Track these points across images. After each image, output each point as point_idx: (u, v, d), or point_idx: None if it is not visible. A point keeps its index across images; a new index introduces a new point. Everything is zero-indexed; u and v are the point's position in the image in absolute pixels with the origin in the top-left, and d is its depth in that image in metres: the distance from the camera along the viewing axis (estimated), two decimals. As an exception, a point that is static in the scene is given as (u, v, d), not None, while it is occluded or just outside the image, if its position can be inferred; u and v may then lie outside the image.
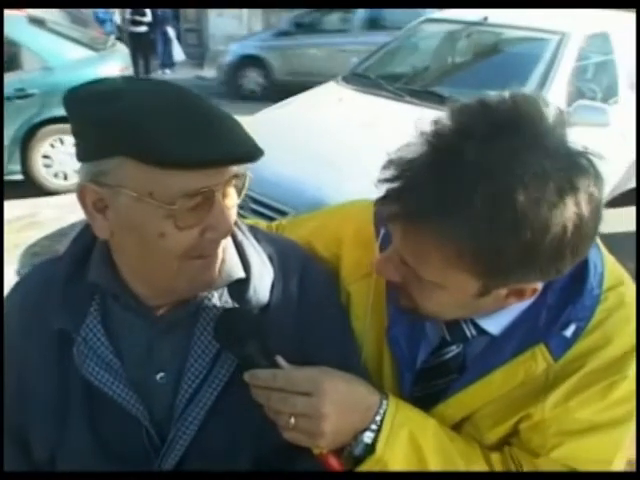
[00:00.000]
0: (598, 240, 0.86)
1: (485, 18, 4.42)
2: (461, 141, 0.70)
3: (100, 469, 0.83)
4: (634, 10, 4.43)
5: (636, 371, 0.83)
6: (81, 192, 0.78)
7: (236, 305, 0.87)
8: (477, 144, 0.69)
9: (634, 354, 0.83)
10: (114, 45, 6.38)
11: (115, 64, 5.61)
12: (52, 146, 5.30)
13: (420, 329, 0.95)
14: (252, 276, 0.89)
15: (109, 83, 0.79)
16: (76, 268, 0.89)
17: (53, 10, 6.11)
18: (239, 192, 0.82)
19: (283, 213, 2.91)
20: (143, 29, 11.33)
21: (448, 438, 0.86)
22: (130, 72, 6.12)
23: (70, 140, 5.11)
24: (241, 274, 0.89)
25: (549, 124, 0.72)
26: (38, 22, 5.35)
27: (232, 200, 0.80)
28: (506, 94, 0.74)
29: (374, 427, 0.81)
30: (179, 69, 12.27)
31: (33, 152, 5.23)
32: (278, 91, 8.66)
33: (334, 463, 0.80)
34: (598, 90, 4.31)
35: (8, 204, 4.44)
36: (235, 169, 0.77)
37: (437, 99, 3.72)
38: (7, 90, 4.81)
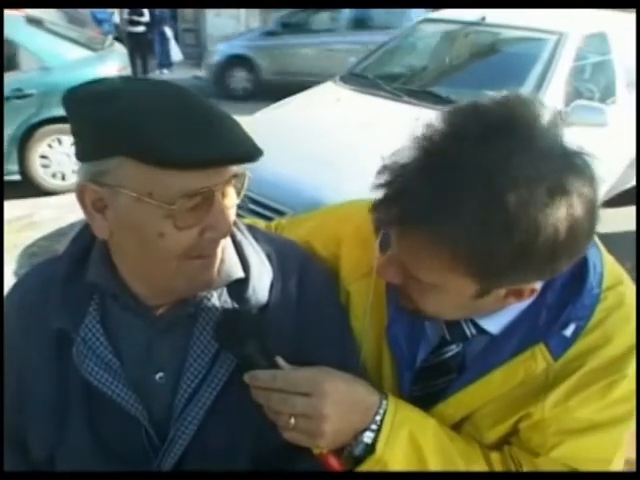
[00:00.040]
0: (597, 239, 0.86)
1: (483, 18, 4.43)
2: (454, 143, 0.70)
3: (99, 469, 0.83)
4: (632, 10, 4.44)
5: (636, 370, 0.83)
6: (80, 192, 0.78)
7: (235, 305, 0.87)
8: (470, 146, 0.69)
9: (634, 353, 0.83)
10: (112, 45, 6.36)
11: (113, 64, 5.60)
12: (50, 146, 5.28)
13: (420, 328, 0.95)
14: (251, 276, 0.89)
15: (108, 83, 0.79)
16: (75, 268, 0.89)
17: (51, 10, 6.09)
18: (238, 192, 0.82)
19: (281, 213, 2.90)
20: (141, 29, 11.33)
21: (448, 438, 0.86)
22: (128, 72, 6.11)
23: (68, 140, 5.12)
24: (240, 274, 0.89)
25: (543, 125, 0.72)
26: (36, 22, 5.33)
27: (231, 200, 0.80)
28: (500, 96, 0.74)
29: (374, 427, 0.81)
30: (177, 69, 12.23)
31: (31, 152, 5.21)
32: (266, 91, 8.66)
33: (334, 463, 0.80)
34: (596, 90, 4.31)
35: (7, 204, 4.43)
36: (234, 169, 0.77)
37: (435, 99, 3.73)
38: (5, 90, 4.79)
